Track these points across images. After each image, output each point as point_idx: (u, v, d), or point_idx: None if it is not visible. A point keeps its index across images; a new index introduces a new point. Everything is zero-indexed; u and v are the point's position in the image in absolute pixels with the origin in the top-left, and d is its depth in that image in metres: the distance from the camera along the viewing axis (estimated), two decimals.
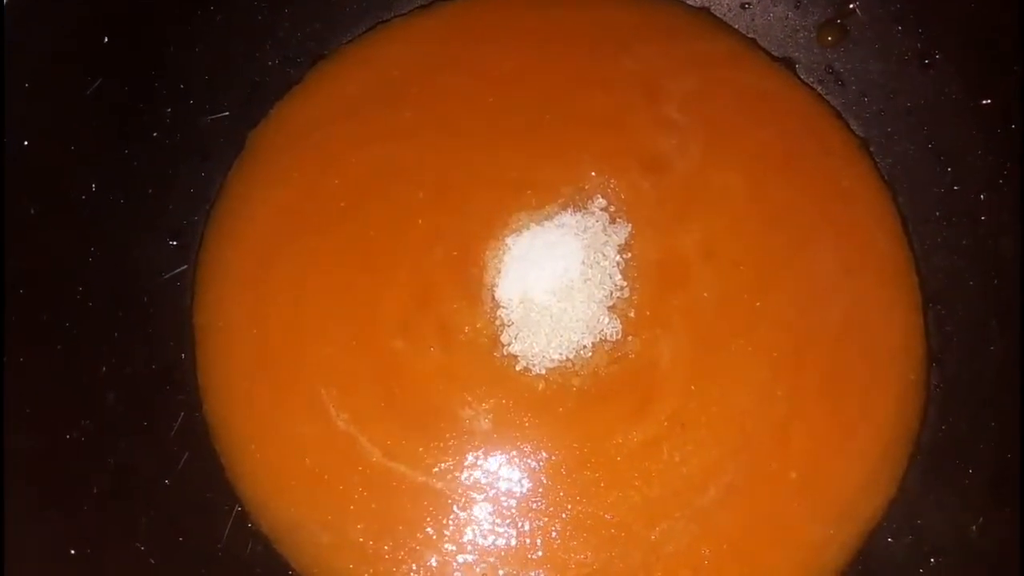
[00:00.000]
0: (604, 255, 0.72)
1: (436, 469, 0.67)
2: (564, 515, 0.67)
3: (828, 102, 0.79)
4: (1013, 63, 0.69)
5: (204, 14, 0.72)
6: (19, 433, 0.55)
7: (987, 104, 0.71)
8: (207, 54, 0.73)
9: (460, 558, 0.66)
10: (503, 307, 0.71)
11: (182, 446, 0.67)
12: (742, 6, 0.80)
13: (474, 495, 0.67)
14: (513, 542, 0.67)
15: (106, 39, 0.65)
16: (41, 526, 0.53)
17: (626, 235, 0.73)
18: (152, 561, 0.60)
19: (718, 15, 0.81)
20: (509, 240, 0.73)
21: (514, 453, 0.68)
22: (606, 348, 0.70)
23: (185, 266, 0.72)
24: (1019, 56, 0.69)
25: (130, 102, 0.68)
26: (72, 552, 0.55)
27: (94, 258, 0.66)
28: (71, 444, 0.59)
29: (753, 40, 0.80)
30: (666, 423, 0.68)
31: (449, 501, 0.67)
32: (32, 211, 0.60)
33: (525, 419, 0.69)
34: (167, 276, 0.71)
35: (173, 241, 0.72)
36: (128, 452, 0.63)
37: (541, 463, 0.68)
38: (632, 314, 0.71)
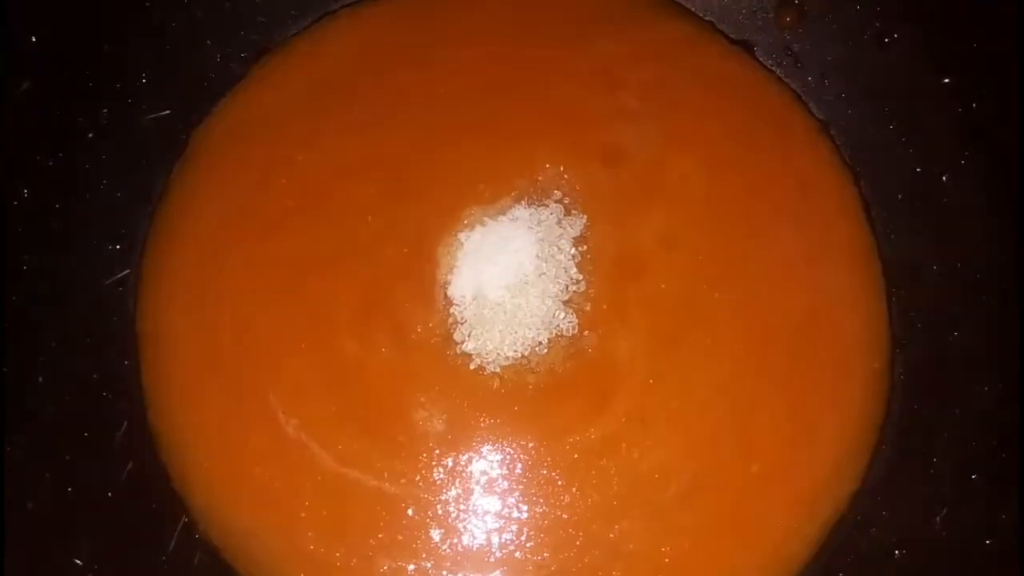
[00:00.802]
0: (559, 248, 0.70)
1: (389, 473, 0.65)
2: (521, 516, 0.65)
3: (788, 85, 0.77)
4: (973, 40, 0.67)
5: (139, 9, 0.70)
6: None
7: (948, 82, 0.70)
8: (144, 51, 0.71)
9: (414, 563, 0.64)
10: (456, 304, 0.69)
11: (126, 456, 0.65)
12: None
13: (428, 498, 0.65)
14: (469, 545, 0.65)
15: (33, 38, 0.63)
16: None
17: (582, 227, 0.71)
18: None
19: None
20: (462, 236, 0.71)
21: (469, 454, 0.66)
22: (562, 344, 0.69)
23: (127, 271, 0.70)
24: (979, 32, 0.67)
25: (63, 103, 0.66)
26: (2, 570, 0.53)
27: (29, 265, 0.64)
28: (4, 459, 0.57)
29: (711, 23, 0.78)
30: (624, 419, 0.67)
31: (403, 505, 0.65)
32: None
33: (480, 419, 0.67)
34: (108, 281, 0.69)
35: (114, 245, 0.70)
36: (67, 465, 0.61)
37: (497, 463, 0.66)
38: (588, 308, 0.69)
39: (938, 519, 0.63)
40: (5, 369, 0.61)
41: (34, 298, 0.64)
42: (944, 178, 0.70)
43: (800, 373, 0.69)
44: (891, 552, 0.64)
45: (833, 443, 0.68)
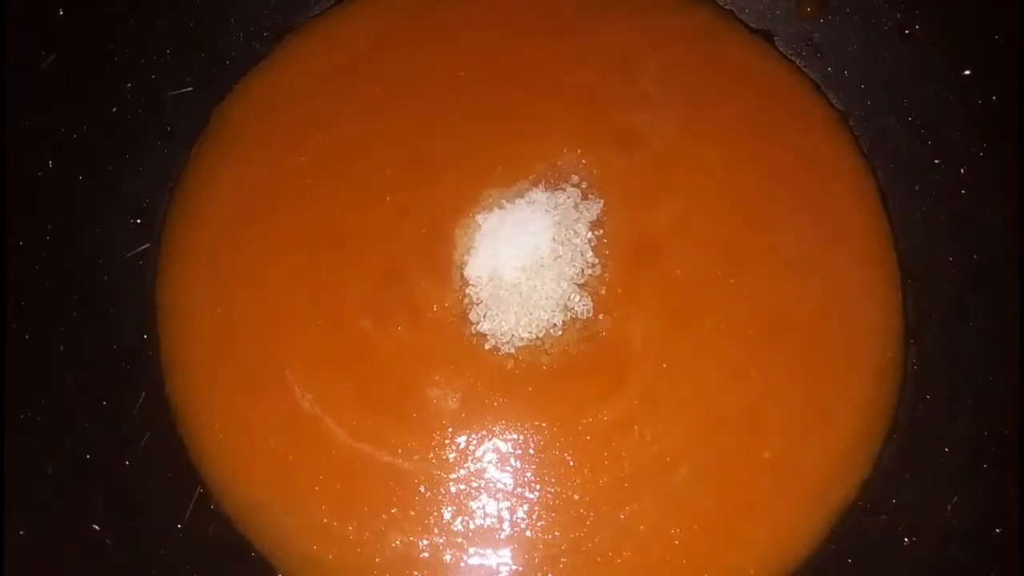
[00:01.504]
0: (575, 232, 0.71)
1: (402, 449, 0.66)
2: (532, 495, 0.66)
3: (807, 75, 0.77)
4: (992, 33, 0.67)
5: None
6: None
7: (967, 75, 0.70)
8: (169, 28, 0.71)
9: (426, 539, 0.65)
10: (472, 285, 0.70)
11: (143, 426, 0.65)
12: None
13: (441, 475, 0.66)
14: (481, 522, 0.66)
15: (61, 12, 0.64)
16: None
17: (598, 212, 0.72)
18: (108, 542, 0.58)
19: None
20: (479, 217, 0.71)
21: (482, 433, 0.67)
22: (576, 326, 0.69)
23: (148, 244, 0.70)
24: (998, 25, 0.67)
25: (87, 77, 0.67)
26: (21, 533, 0.54)
27: (52, 236, 0.65)
28: (25, 425, 0.58)
29: (731, 12, 0.79)
30: (637, 402, 0.67)
31: (415, 481, 0.66)
32: None
33: (494, 398, 0.68)
34: (129, 255, 0.70)
35: (136, 219, 0.70)
36: (86, 433, 0.62)
37: (509, 443, 0.67)
38: (603, 292, 0.70)
39: (949, 507, 0.63)
40: (27, 337, 0.61)
41: (56, 269, 0.65)
42: (962, 171, 0.70)
43: (813, 360, 0.69)
44: (901, 539, 0.64)
45: (844, 430, 0.68)
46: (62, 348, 0.63)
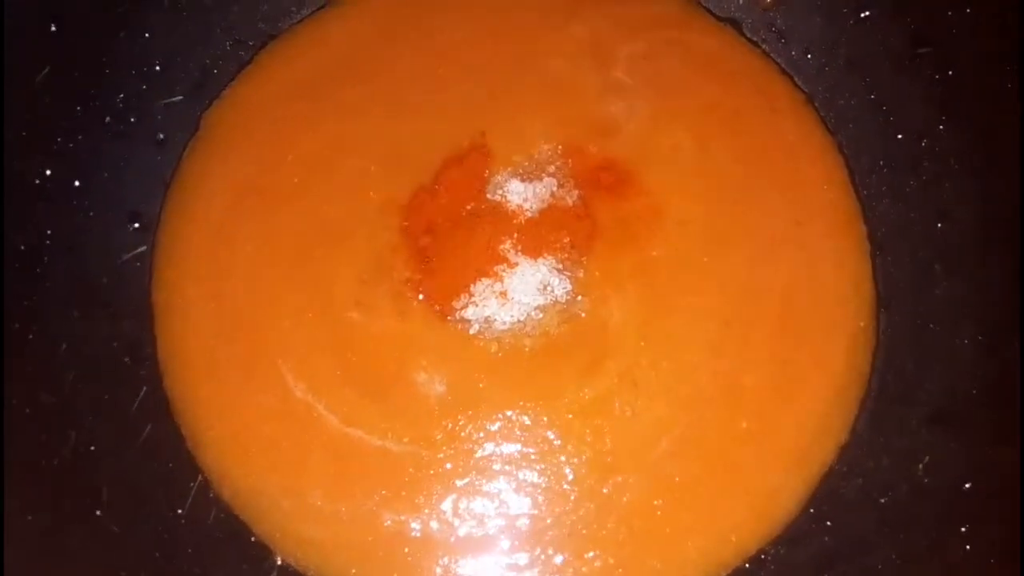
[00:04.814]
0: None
1: (392, 433, 0.68)
2: (518, 473, 0.68)
3: (773, 60, 0.80)
4: (945, 10, 0.70)
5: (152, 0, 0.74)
6: None
7: (924, 52, 0.72)
8: (157, 40, 0.74)
9: (416, 517, 0.67)
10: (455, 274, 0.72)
11: (144, 419, 0.68)
12: None
13: (429, 457, 0.68)
14: (467, 500, 0.68)
15: (53, 27, 0.67)
16: None
17: (575, 199, 0.74)
18: (115, 529, 0.61)
19: None
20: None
21: (468, 414, 0.69)
22: (557, 309, 0.72)
23: (144, 247, 0.73)
24: (949, 4, 0.69)
25: (81, 88, 0.70)
26: (29, 518, 0.56)
27: (52, 240, 0.68)
28: (30, 417, 0.61)
29: (698, 1, 0.81)
30: (616, 380, 0.70)
31: (405, 463, 0.68)
32: None
33: (479, 381, 0.70)
34: (126, 257, 0.73)
35: (132, 224, 0.74)
36: (89, 425, 0.65)
37: (494, 423, 0.69)
38: (582, 275, 0.72)
39: (920, 466, 0.65)
40: (31, 337, 0.64)
41: (57, 271, 0.68)
42: (923, 143, 0.73)
43: (788, 334, 0.72)
44: (876, 499, 0.66)
45: (820, 399, 0.70)
46: (65, 346, 0.66)
